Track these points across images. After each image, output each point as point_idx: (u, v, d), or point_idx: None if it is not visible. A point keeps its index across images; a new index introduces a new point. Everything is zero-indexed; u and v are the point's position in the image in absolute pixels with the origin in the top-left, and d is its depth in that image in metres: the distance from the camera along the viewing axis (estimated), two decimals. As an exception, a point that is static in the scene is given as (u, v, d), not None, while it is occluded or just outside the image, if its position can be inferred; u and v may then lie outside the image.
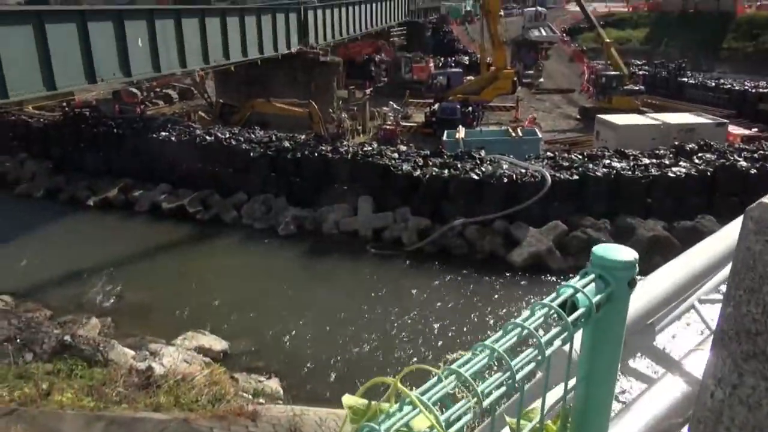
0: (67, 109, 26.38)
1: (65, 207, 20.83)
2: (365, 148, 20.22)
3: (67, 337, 9.95)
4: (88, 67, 16.90)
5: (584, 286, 0.84)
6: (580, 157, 19.44)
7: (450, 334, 12.87)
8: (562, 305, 0.80)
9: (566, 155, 19.96)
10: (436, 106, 28.59)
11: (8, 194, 22.01)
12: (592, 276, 0.87)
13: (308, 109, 22.97)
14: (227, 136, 21.48)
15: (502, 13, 32.41)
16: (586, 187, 17.49)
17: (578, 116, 31.71)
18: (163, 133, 21.88)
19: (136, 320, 13.64)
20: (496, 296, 14.53)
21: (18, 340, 10.48)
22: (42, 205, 20.96)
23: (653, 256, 15.73)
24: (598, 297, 0.83)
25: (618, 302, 0.89)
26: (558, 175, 17.63)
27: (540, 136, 23.54)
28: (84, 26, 16.60)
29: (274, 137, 21.43)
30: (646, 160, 18.60)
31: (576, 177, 17.58)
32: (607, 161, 18.59)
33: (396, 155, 19.67)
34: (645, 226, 16.38)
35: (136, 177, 21.53)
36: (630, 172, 17.68)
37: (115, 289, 14.93)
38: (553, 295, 0.82)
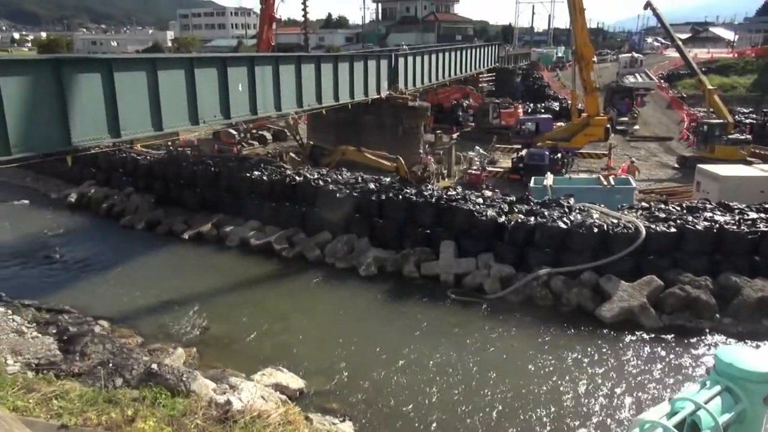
0: (171, 147, 28.27)
1: (162, 239, 22.09)
2: (450, 193, 20.11)
3: (154, 366, 10.30)
4: (192, 110, 18.07)
5: (707, 401, 0.67)
6: (679, 208, 18.33)
7: (530, 392, 12.22)
8: (680, 425, 0.64)
9: (663, 206, 18.87)
10: (524, 151, 28.17)
11: (114, 225, 23.71)
12: (718, 388, 0.70)
13: (395, 163, 23.43)
14: (315, 176, 22.13)
15: (595, 59, 31.76)
16: (685, 241, 16.38)
17: (676, 165, 30.16)
18: (256, 173, 22.88)
19: (220, 352, 14.00)
20: (582, 353, 13.71)
21: (110, 365, 11.01)
22: (142, 236, 22.35)
23: (761, 319, 14.48)
24: (727, 417, 0.66)
25: (751, 424, 0.70)
26: (653, 227, 16.66)
27: (634, 185, 22.51)
28: (191, 72, 17.84)
29: (360, 179, 21.84)
30: (754, 215, 17.22)
31: (673, 230, 16.54)
32: (709, 214, 17.38)
33: (481, 200, 19.41)
34: (752, 285, 15.03)
35: (229, 213, 22.57)
36: (735, 227, 16.41)
37: (202, 321, 15.46)
38: (666, 407, 0.67)
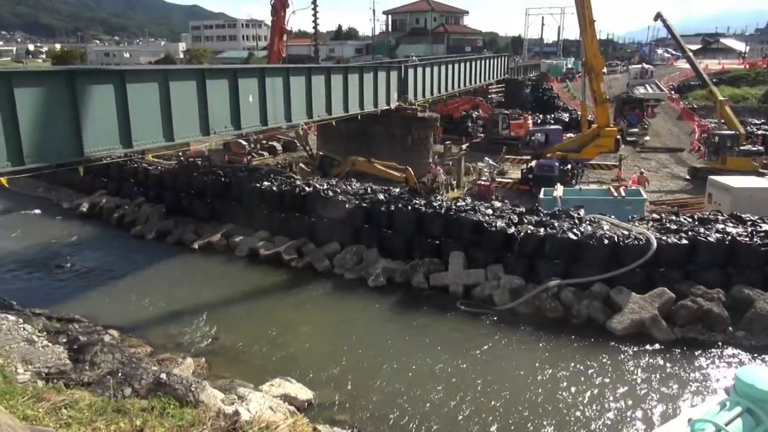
0: (182, 158, 28.47)
1: (172, 249, 22.18)
2: (459, 203, 20.08)
3: (163, 375, 10.31)
4: (203, 121, 18.19)
5: (728, 423, 0.66)
6: (690, 220, 18.18)
7: (539, 405, 12.11)
8: (699, 447, 0.62)
9: (674, 218, 18.74)
10: (533, 162, 28.11)
11: (125, 235, 23.86)
12: (738, 410, 0.69)
13: (404, 174, 23.47)
14: (325, 187, 22.17)
15: (605, 70, 31.71)
16: (697, 253, 16.23)
17: (688, 176, 29.98)
18: (266, 183, 22.96)
19: (228, 362, 14.00)
20: (592, 366, 13.58)
21: (119, 374, 11.03)
22: (152, 246, 22.46)
23: (776, 334, 14.28)
24: (748, 439, 0.64)
25: (773, 446, 0.69)
26: (665, 238, 16.54)
27: (645, 196, 22.38)
28: (203, 83, 17.98)
29: (369, 189, 21.85)
30: (767, 227, 17.05)
31: (685, 241, 16.40)
32: (721, 226, 17.21)
33: (490, 211, 19.36)
34: (765, 298, 14.85)
35: (238, 223, 22.65)
36: (747, 239, 16.24)
37: (211, 330, 15.48)
38: (684, 428, 0.66)
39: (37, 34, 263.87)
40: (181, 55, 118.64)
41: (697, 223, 17.76)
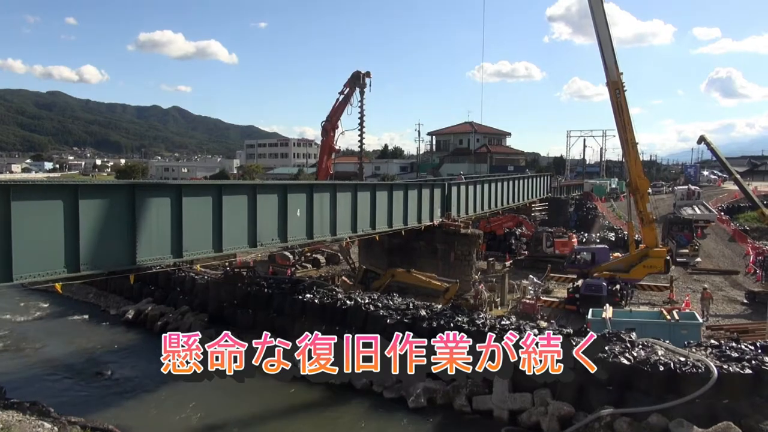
0: (228, 268, 29.08)
1: (212, 359, 21.98)
2: (503, 322, 19.52)
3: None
4: (251, 233, 18.73)
5: None
6: (753, 347, 17.04)
7: None
8: None
9: (735, 344, 17.61)
10: (580, 282, 27.46)
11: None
12: None
13: (449, 285, 23.29)
14: (366, 301, 22.04)
15: (650, 191, 31.65)
16: (763, 384, 15.03)
17: (745, 300, 28.58)
18: (308, 295, 23.02)
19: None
20: None
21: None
22: (192, 356, 22.34)
23: None
24: None
25: None
26: (726, 367, 15.45)
27: (701, 320, 21.30)
28: (253, 197, 18.73)
29: (411, 305, 21.58)
30: (840, 358, 15.79)
31: (749, 371, 15.26)
32: (788, 355, 16.04)
33: (536, 331, 18.66)
34: None
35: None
36: (819, 371, 15.01)
37: (243, 449, 14.89)
38: None
39: (105, 150, 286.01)
40: (235, 171, 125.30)
41: (760, 351, 16.61)
